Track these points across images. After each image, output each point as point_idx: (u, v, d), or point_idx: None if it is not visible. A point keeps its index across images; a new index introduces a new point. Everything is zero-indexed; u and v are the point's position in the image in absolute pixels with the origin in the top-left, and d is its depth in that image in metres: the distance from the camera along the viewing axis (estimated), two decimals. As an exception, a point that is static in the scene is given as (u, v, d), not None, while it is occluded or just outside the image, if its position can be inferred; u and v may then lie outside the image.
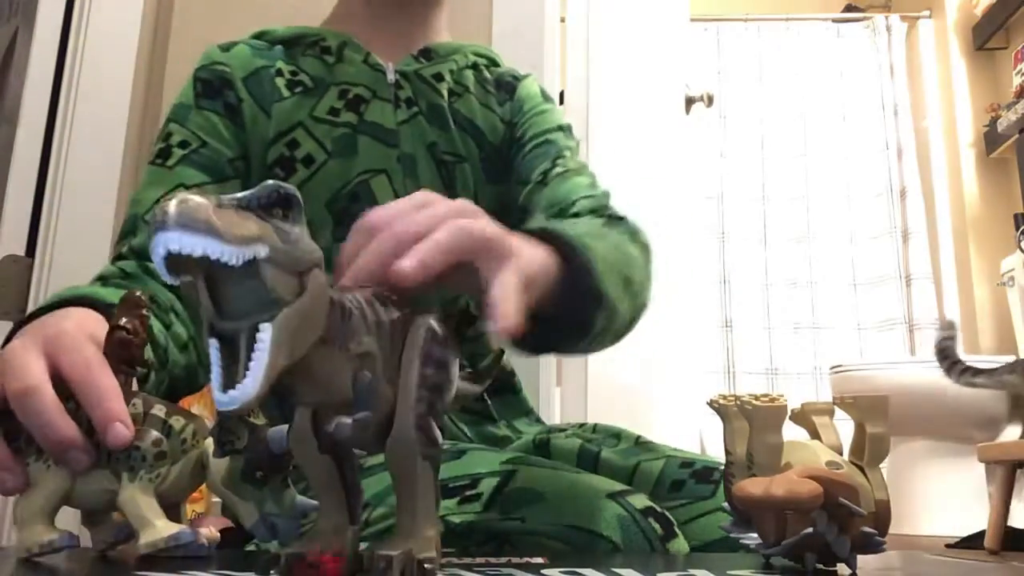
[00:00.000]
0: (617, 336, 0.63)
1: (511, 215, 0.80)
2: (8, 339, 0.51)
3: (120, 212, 1.50)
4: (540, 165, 0.81)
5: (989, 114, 3.62)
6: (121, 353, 0.45)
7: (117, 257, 0.73)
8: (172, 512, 0.45)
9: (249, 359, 0.31)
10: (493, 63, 0.91)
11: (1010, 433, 2.90)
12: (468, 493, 0.55)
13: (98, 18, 1.53)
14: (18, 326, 0.53)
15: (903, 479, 3.00)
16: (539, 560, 0.44)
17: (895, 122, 3.83)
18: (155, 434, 0.44)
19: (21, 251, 1.45)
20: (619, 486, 0.56)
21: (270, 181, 0.33)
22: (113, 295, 0.57)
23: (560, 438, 0.77)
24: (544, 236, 0.52)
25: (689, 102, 2.29)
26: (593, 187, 0.79)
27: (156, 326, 0.63)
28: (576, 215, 0.75)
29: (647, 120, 1.96)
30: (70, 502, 0.44)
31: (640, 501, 0.55)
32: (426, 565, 0.36)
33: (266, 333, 0.31)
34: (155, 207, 0.31)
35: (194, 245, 0.29)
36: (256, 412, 0.43)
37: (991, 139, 3.58)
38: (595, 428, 0.81)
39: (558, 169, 0.80)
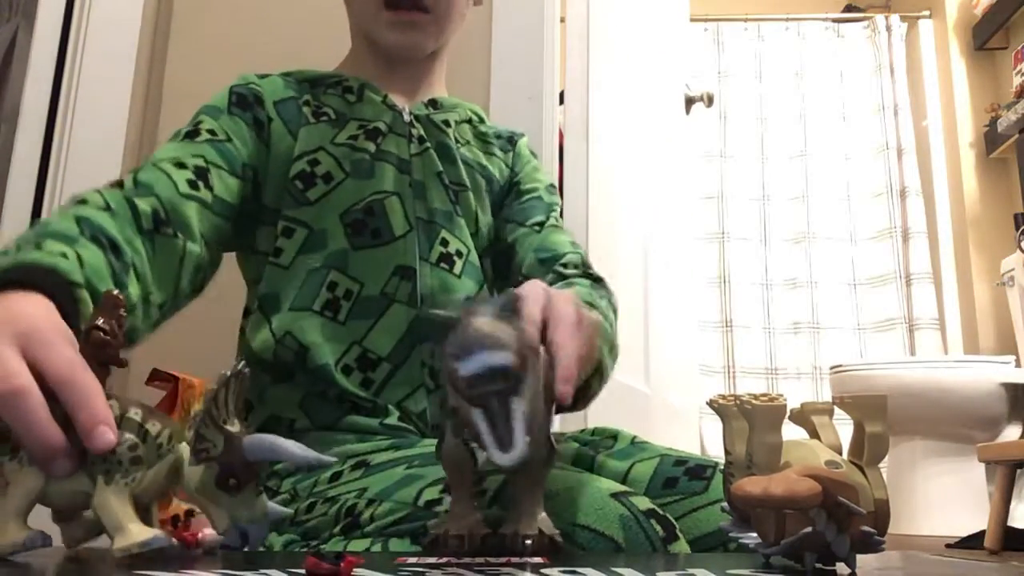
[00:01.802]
0: (596, 396, 0.72)
1: (499, 249, 0.92)
2: None
3: (120, 212, 1.50)
4: (536, 215, 0.92)
5: (989, 114, 3.62)
6: (98, 354, 0.45)
7: (115, 184, 0.72)
8: (143, 513, 0.44)
9: (510, 424, 0.41)
10: (482, 120, 1.00)
11: (1010, 433, 2.90)
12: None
13: (98, 18, 1.53)
14: None
15: (903, 479, 3.00)
16: (539, 560, 0.44)
17: (895, 122, 3.82)
18: (131, 438, 0.43)
19: (21, 251, 1.45)
20: (622, 487, 0.57)
21: (508, 290, 0.45)
22: (75, 271, 0.56)
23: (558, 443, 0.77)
24: None
25: (689, 102, 2.29)
26: (575, 245, 0.91)
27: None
28: (564, 266, 0.85)
29: (647, 120, 1.96)
30: (42, 501, 0.44)
31: (643, 502, 0.55)
32: (556, 539, 0.47)
33: (517, 404, 0.41)
34: (470, 326, 0.40)
35: (502, 359, 0.39)
36: (231, 420, 0.44)
37: (991, 139, 3.58)
38: (594, 431, 0.81)
39: (551, 223, 0.92)
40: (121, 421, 0.44)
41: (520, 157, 0.99)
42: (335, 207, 0.83)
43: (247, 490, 0.43)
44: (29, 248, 0.57)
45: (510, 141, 1.00)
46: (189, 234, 0.74)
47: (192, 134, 0.81)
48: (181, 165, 0.77)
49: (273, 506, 0.44)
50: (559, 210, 0.97)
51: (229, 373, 0.44)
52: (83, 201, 0.68)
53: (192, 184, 0.76)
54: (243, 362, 0.45)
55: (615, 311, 0.82)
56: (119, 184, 0.72)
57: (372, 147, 0.87)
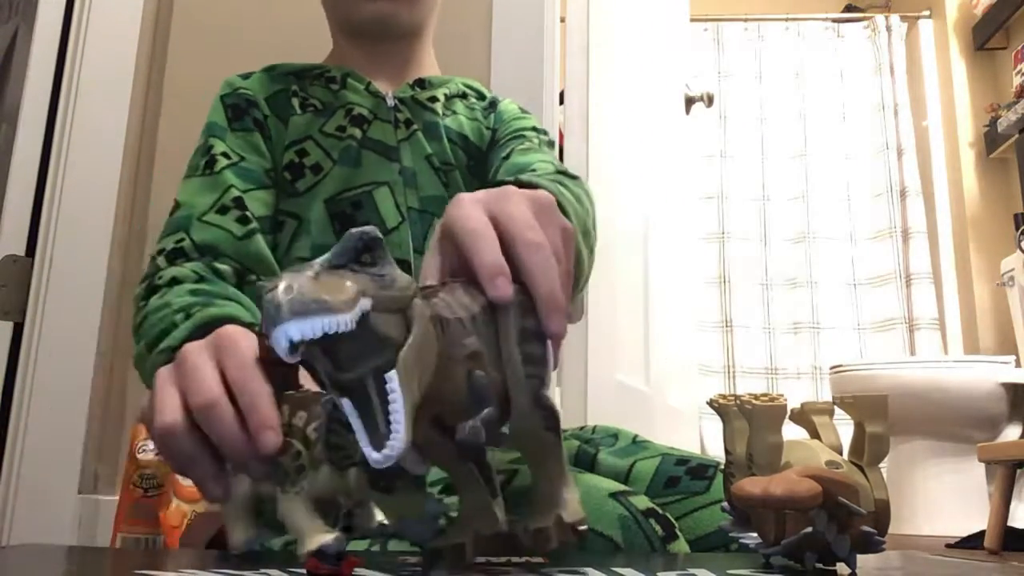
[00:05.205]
0: (577, 288, 0.66)
1: None
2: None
3: (120, 212, 1.50)
4: (510, 148, 0.87)
5: (989, 114, 3.62)
6: (269, 355, 0.45)
7: (174, 254, 0.74)
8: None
9: (386, 411, 0.32)
10: (481, 95, 0.98)
11: (1010, 433, 2.90)
12: (488, 477, 0.55)
13: (98, 18, 1.53)
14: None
15: (903, 479, 3.00)
16: (539, 560, 0.44)
17: (895, 122, 3.82)
18: (295, 447, 0.43)
19: (21, 251, 1.46)
20: (621, 486, 0.57)
21: (351, 231, 0.34)
22: (242, 312, 0.63)
23: (557, 440, 0.77)
24: (519, 185, 0.55)
25: (689, 102, 2.29)
26: (554, 163, 0.83)
27: None
28: (534, 170, 0.79)
29: (647, 120, 1.96)
30: (263, 494, 0.45)
31: (642, 502, 0.55)
32: (579, 527, 0.39)
33: (394, 381, 0.32)
34: (267, 295, 0.32)
35: (314, 329, 0.31)
36: None
37: (991, 139, 3.58)
38: (595, 429, 0.81)
39: (524, 145, 0.87)
40: (289, 429, 0.43)
41: (501, 113, 0.95)
42: (322, 195, 0.83)
43: (401, 488, 0.41)
44: (195, 309, 0.62)
45: (492, 104, 0.97)
46: (268, 268, 0.77)
47: (210, 164, 0.81)
48: (223, 209, 0.77)
49: (431, 503, 0.41)
50: (545, 142, 0.91)
51: None
52: (175, 280, 0.70)
53: (242, 220, 0.77)
54: None
55: (592, 202, 0.73)
56: (180, 254, 0.74)
57: (359, 134, 0.86)
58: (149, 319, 0.65)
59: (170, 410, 0.46)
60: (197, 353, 0.48)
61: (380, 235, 0.34)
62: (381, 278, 0.33)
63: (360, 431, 0.32)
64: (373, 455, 0.32)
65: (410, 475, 0.40)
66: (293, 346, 0.31)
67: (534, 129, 0.93)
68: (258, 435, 0.43)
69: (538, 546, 0.39)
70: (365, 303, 0.32)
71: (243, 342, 0.48)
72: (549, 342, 0.41)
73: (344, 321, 0.31)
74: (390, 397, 0.32)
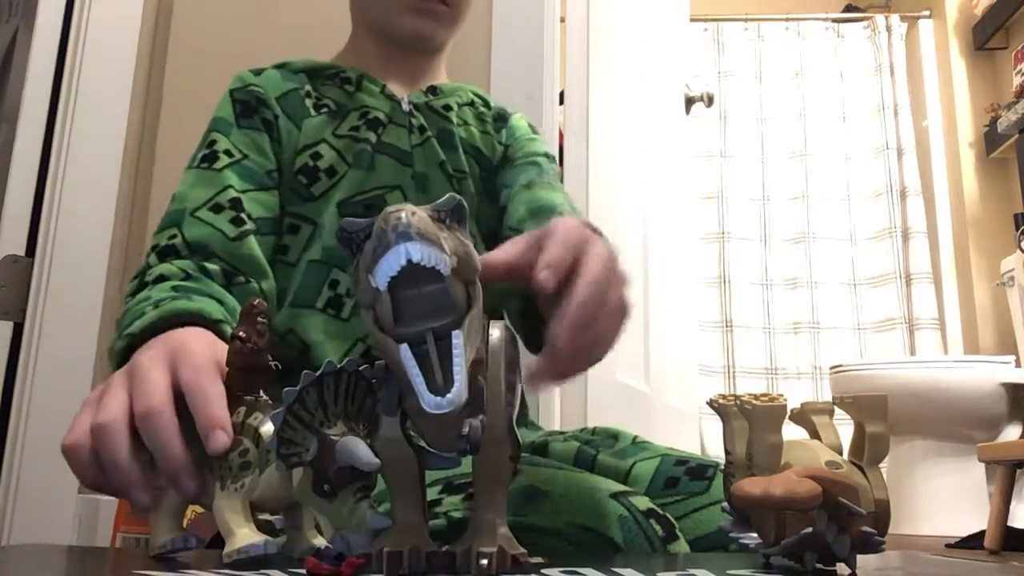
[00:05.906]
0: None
1: (499, 230, 0.89)
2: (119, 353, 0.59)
3: (120, 212, 1.50)
4: (527, 175, 0.90)
5: (989, 114, 3.62)
6: (240, 361, 0.46)
7: (166, 251, 0.74)
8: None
9: (446, 366, 0.34)
10: (487, 104, 0.99)
11: (1010, 433, 2.90)
12: (472, 490, 0.55)
13: (98, 18, 1.53)
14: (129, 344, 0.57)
15: (903, 479, 3.00)
16: (539, 560, 0.44)
17: (895, 122, 3.82)
18: (244, 444, 0.44)
19: (21, 251, 1.45)
20: (622, 487, 0.57)
21: (451, 194, 0.36)
22: (214, 309, 0.62)
23: (558, 442, 0.77)
24: None
25: (689, 102, 2.29)
26: (572, 207, 0.87)
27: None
28: (561, 215, 0.82)
29: (647, 120, 1.96)
30: (196, 503, 0.46)
31: (643, 502, 0.55)
32: (522, 559, 0.40)
33: (459, 338, 0.34)
34: (389, 216, 0.33)
35: (429, 256, 0.32)
36: (332, 422, 0.40)
37: (991, 139, 3.58)
38: (595, 431, 0.81)
39: (546, 180, 0.89)
40: (242, 428, 0.44)
41: (513, 130, 0.96)
42: (336, 198, 0.83)
43: (343, 496, 0.40)
44: (166, 303, 0.61)
45: (502, 118, 0.98)
46: (259, 271, 0.77)
47: (210, 158, 0.80)
48: (217, 208, 0.77)
49: (372, 515, 0.40)
50: (558, 177, 0.94)
51: (321, 373, 0.40)
52: (162, 277, 0.70)
53: (236, 222, 0.77)
54: (344, 362, 0.40)
55: None
56: (171, 251, 0.74)
57: (373, 137, 0.86)
58: (128, 313, 0.65)
59: (112, 409, 0.46)
60: (151, 360, 0.48)
61: (467, 206, 0.36)
62: (465, 245, 0.35)
63: (418, 378, 0.33)
64: (433, 399, 0.33)
65: (356, 482, 0.40)
66: (392, 275, 0.32)
67: (546, 155, 0.94)
68: (208, 434, 0.43)
69: (473, 571, 0.37)
70: (453, 259, 0.34)
71: (196, 347, 0.49)
72: (521, 383, 0.43)
73: (447, 263, 0.33)
74: (454, 352, 0.33)
